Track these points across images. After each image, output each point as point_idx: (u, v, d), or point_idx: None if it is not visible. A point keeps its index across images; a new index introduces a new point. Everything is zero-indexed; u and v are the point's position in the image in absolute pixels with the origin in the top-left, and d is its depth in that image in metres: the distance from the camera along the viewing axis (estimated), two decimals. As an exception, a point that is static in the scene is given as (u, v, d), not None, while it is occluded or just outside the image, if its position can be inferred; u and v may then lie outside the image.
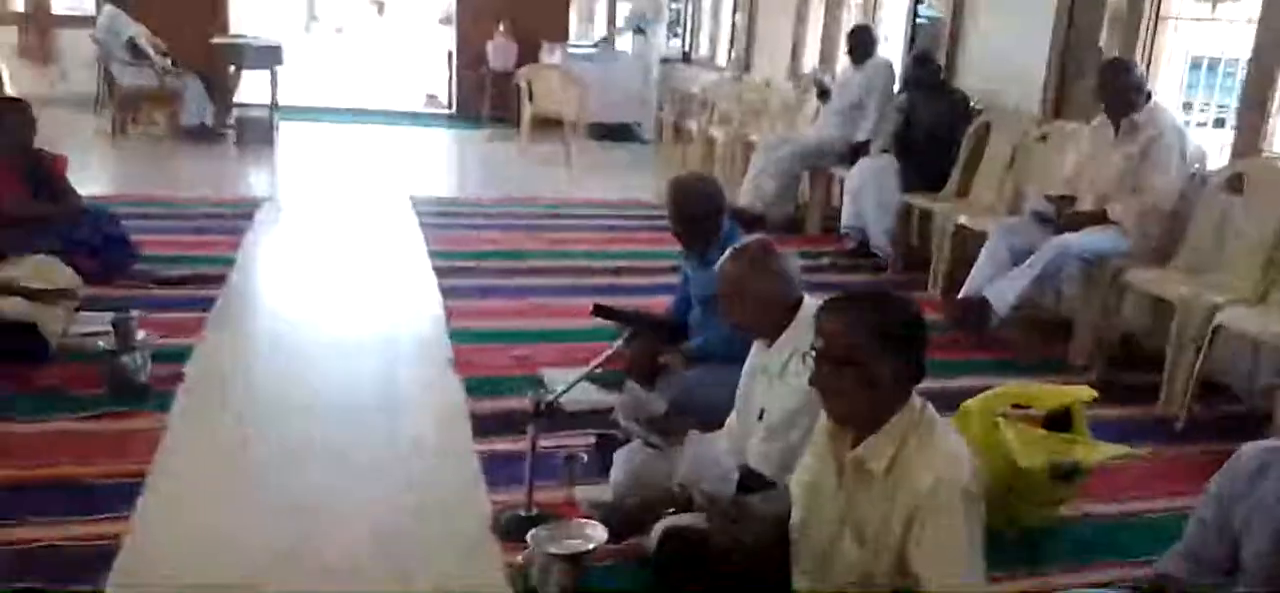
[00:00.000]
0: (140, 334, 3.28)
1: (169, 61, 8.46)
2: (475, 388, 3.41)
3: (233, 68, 8.99)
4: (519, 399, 3.15)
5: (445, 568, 2.41)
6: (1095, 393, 2.75)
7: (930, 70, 5.46)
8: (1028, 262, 3.92)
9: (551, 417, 2.56)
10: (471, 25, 10.69)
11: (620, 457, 2.70)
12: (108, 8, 8.40)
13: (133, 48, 8.21)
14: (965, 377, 3.49)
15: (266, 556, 2.37)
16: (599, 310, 2.79)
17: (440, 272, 4.84)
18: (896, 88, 5.96)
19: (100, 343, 3.24)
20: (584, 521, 2.32)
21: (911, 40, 6.31)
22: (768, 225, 6.12)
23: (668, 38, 10.45)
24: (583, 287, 4.58)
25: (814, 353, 1.84)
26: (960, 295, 4.18)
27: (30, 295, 3.53)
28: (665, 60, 10.07)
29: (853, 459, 1.83)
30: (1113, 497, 2.83)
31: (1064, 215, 4.01)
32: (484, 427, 3.10)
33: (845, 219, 5.60)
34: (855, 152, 5.88)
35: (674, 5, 10.59)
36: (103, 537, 2.35)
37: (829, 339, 1.81)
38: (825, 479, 1.91)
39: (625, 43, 10.20)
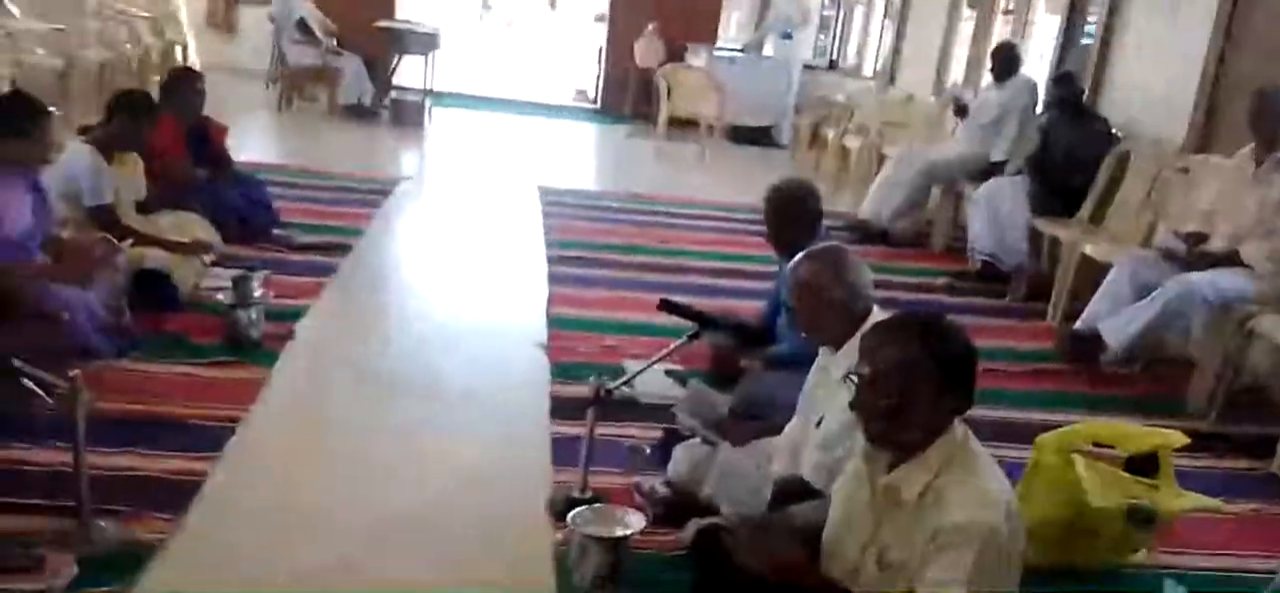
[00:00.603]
0: (257, 292, 3.53)
1: (334, 42, 9.01)
2: (560, 372, 3.51)
3: (393, 51, 9.46)
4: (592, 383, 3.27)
5: (498, 537, 2.50)
6: (1186, 439, 2.58)
7: (1072, 91, 5.21)
8: (1149, 298, 3.70)
9: (608, 404, 2.60)
10: (623, 23, 10.87)
11: (679, 451, 2.74)
12: (284, -13, 8.99)
13: (302, 26, 8.78)
14: (1064, 411, 3.33)
15: (330, 503, 2.54)
16: (666, 305, 2.82)
17: (552, 259, 4.99)
18: (1038, 108, 5.71)
19: (220, 297, 3.51)
20: (627, 508, 2.36)
21: (1059, 62, 6.03)
22: (891, 241, 6.01)
23: (815, 44, 10.33)
24: (683, 285, 4.62)
25: (855, 374, 1.81)
26: (1074, 327, 4.00)
27: (170, 247, 3.85)
28: (809, 66, 9.97)
29: (885, 484, 1.79)
30: (1204, 549, 2.65)
31: (1193, 253, 3.76)
32: (561, 409, 3.18)
33: (972, 239, 5.40)
34: (988, 171, 5.68)
35: (825, 11, 10.47)
36: (191, 473, 2.56)
37: (871, 362, 1.78)
38: (858, 498, 1.87)
39: (772, 47, 10.14)
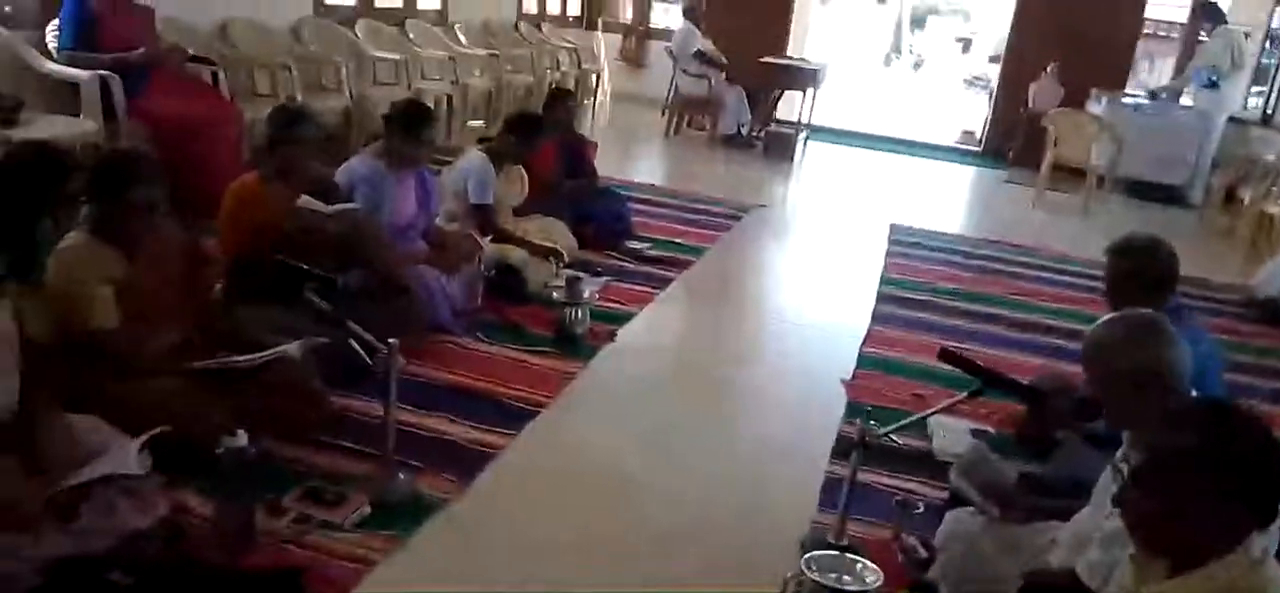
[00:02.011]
0: (586, 293, 3.85)
1: (722, 74, 9.47)
2: (854, 411, 3.41)
3: (775, 85, 9.74)
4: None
5: (745, 563, 2.51)
6: None
7: None
8: None
9: (868, 450, 2.50)
10: (1018, 64, 10.23)
11: (949, 517, 2.56)
12: (684, 24, 9.62)
13: (700, 58, 9.31)
14: None
15: (602, 490, 2.72)
16: (946, 355, 2.63)
17: (882, 296, 4.87)
18: None
19: (554, 295, 3.88)
20: (867, 562, 2.25)
21: None
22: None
23: (1246, 92, 8.96)
24: (1025, 342, 4.29)
25: (1122, 466, 1.59)
26: None
27: (529, 249, 4.33)
28: (1236, 119, 8.66)
29: (1153, 593, 1.55)
30: None
31: None
32: (843, 449, 3.10)
33: None
34: None
35: (1264, 59, 9.05)
36: (488, 444, 2.87)
37: (1142, 456, 1.56)
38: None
39: (1192, 95, 8.96)
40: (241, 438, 2.19)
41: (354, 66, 6.35)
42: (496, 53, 8.39)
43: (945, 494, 2.79)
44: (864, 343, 4.17)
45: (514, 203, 4.59)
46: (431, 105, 7.13)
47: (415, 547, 2.36)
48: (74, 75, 4.31)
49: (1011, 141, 9.96)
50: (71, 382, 2.38)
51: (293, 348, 2.69)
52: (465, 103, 7.64)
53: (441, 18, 8.43)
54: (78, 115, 4.26)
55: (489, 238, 4.22)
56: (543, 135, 4.64)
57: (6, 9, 4.56)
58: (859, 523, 2.66)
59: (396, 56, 6.80)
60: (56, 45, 4.47)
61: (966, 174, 9.81)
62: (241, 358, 2.64)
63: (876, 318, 4.53)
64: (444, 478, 2.64)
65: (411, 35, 7.56)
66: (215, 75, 5.00)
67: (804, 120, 9.45)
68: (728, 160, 8.74)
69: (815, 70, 9.53)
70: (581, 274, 4.00)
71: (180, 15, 5.17)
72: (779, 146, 9.12)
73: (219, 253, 3.02)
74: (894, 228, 6.40)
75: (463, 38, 8.36)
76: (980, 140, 10.92)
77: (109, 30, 4.49)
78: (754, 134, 9.49)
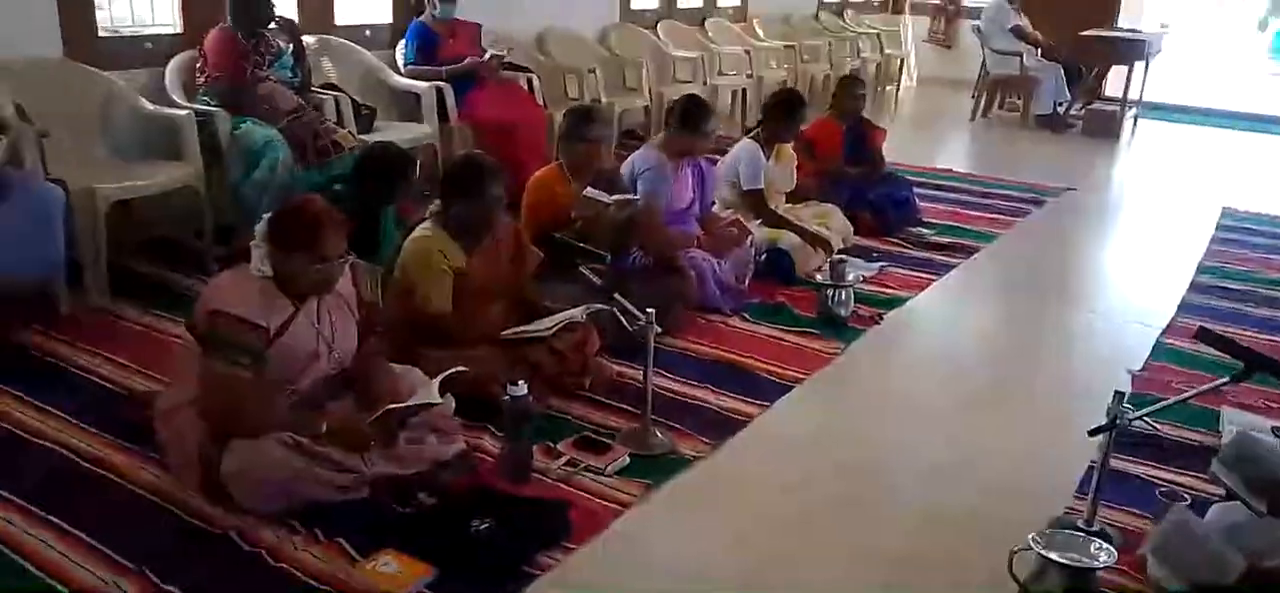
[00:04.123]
0: (850, 276, 3.94)
1: (1037, 51, 8.93)
2: (1134, 401, 3.22)
3: (1097, 60, 9.02)
4: (1173, 425, 3.03)
5: (995, 538, 2.51)
6: None
7: None
8: None
9: (1122, 435, 2.42)
10: None
11: (1213, 512, 2.42)
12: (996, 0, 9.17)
13: (1015, 34, 8.82)
14: None
15: (846, 464, 2.83)
16: (1205, 335, 2.45)
17: (1196, 285, 4.50)
18: None
19: (817, 277, 4.01)
20: (1106, 546, 2.19)
21: None
22: None
23: None
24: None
25: None
26: None
27: (799, 233, 4.47)
28: None
29: None
30: None
31: None
32: (1118, 440, 2.97)
33: None
34: None
35: None
36: (741, 413, 3.08)
37: None
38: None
39: None
40: (521, 388, 2.58)
41: (654, 67, 6.80)
42: (793, 45, 8.54)
43: (1223, 491, 2.60)
44: (1163, 333, 3.89)
45: (786, 187, 4.74)
46: (728, 100, 7.59)
47: (665, 495, 2.62)
48: (416, 87, 5.08)
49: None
50: (399, 344, 2.90)
51: (577, 314, 3.07)
52: (760, 96, 7.87)
53: (741, 14, 8.73)
54: (419, 121, 5.01)
55: (758, 222, 4.43)
56: (802, 114, 4.73)
57: (367, 33, 5.45)
58: (1120, 511, 2.61)
59: (694, 55, 7.18)
60: (402, 61, 5.30)
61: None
62: (535, 326, 3.06)
63: (1183, 307, 4.19)
64: (698, 439, 2.89)
65: (710, 33, 7.93)
66: (530, 82, 5.63)
67: (1134, 96, 8.68)
68: (1039, 142, 8.27)
69: (1145, 41, 8.71)
70: (846, 257, 4.08)
71: (503, 28, 5.86)
72: (1100, 126, 8.48)
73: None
74: (1225, 212, 5.79)
75: (760, 32, 8.61)
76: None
77: (444, 46, 5.25)
78: (1073, 113, 8.88)
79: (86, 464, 2.60)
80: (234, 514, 2.33)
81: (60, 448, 2.67)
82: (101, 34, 4.33)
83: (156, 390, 2.74)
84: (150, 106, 4.10)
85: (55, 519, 2.34)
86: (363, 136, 4.46)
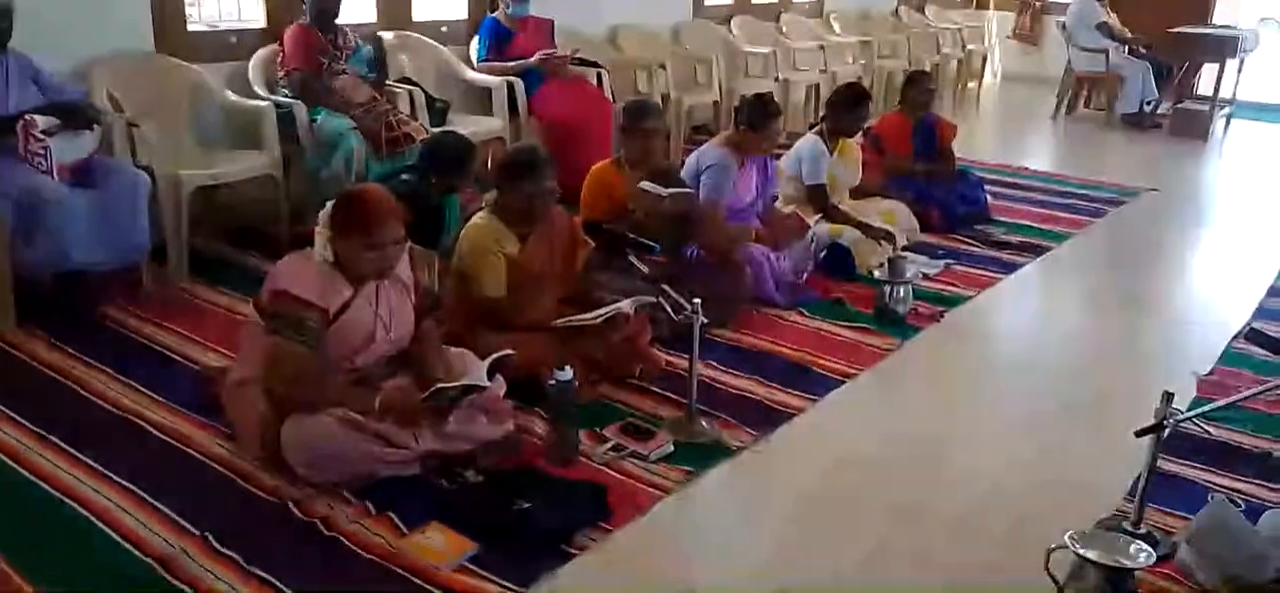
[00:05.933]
0: (908, 273, 3.91)
1: (1124, 48, 8.65)
2: (1196, 406, 3.14)
3: (1186, 58, 8.70)
4: (1232, 432, 2.98)
5: (1041, 541, 2.49)
6: None
7: None
8: None
9: (1164, 436, 2.37)
10: None
11: (1269, 517, 2.36)
12: (1083, -7, 8.90)
13: (1101, 31, 8.56)
14: None
15: (887, 463, 2.82)
16: (1256, 337, 2.39)
17: (1276, 290, 4.33)
18: None
19: (876, 273, 3.99)
20: (1147, 547, 2.15)
21: None
22: None
23: None
24: None
25: None
26: None
27: (863, 228, 4.46)
28: None
29: None
30: None
31: None
32: (1170, 445, 2.90)
33: None
34: None
35: None
36: (789, 406, 3.10)
37: None
38: None
39: None
40: (567, 373, 2.65)
41: (726, 62, 6.81)
42: (869, 40, 8.45)
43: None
44: (1235, 338, 3.76)
45: (850, 182, 4.73)
46: (801, 96, 7.55)
47: (706, 483, 2.67)
48: (488, 81, 5.21)
49: None
50: (457, 328, 3.01)
51: (626, 305, 3.13)
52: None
53: (816, 9, 8.68)
54: (491, 115, 5.13)
55: (819, 217, 4.42)
56: (866, 110, 4.69)
57: (443, 29, 5.59)
58: (1171, 514, 2.56)
59: (766, 50, 7.17)
60: (476, 56, 5.43)
61: None
62: (587, 315, 3.13)
63: (1260, 312, 4.05)
64: (744, 430, 2.92)
65: (784, 28, 7.90)
66: (599, 77, 5.70)
67: (1226, 95, 8.35)
68: (1123, 141, 8.03)
69: (1238, 37, 8.36)
70: (907, 254, 4.05)
71: (577, 25, 5.94)
72: (1188, 125, 8.17)
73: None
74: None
75: (836, 27, 8.54)
76: None
77: (517, 42, 5.37)
78: (1161, 113, 8.58)
79: (161, 435, 2.76)
80: (293, 485, 2.46)
81: (137, 419, 2.85)
82: (190, 29, 4.56)
83: (227, 367, 2.89)
84: (233, 98, 4.31)
85: (127, 483, 2.50)
86: (435, 130, 4.60)
